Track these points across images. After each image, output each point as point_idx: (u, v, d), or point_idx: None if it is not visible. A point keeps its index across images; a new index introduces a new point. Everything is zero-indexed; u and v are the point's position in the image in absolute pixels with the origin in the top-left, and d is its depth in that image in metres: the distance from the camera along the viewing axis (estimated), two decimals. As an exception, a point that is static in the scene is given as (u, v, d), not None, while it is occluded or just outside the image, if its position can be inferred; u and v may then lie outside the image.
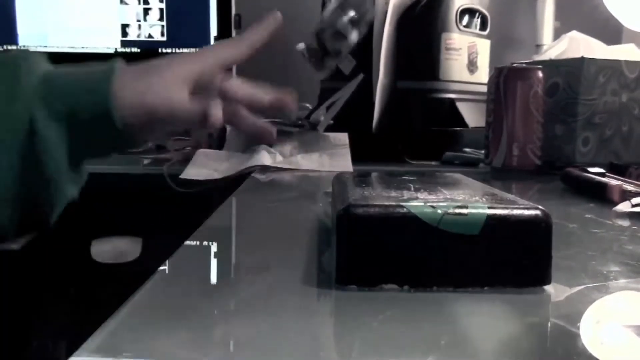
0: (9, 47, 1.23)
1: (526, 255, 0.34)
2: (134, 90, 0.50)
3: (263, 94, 0.54)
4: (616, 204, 0.62)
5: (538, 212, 0.35)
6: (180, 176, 0.93)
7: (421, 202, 0.35)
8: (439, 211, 0.34)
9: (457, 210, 0.34)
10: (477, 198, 0.38)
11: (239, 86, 0.54)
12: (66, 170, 0.50)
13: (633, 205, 0.60)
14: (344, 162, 0.96)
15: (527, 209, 0.35)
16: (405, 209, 0.34)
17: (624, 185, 0.66)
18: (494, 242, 0.34)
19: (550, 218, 0.35)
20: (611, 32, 1.30)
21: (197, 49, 0.55)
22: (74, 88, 0.50)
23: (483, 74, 1.17)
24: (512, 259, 0.34)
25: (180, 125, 0.56)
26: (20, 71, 0.49)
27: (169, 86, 0.51)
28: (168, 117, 0.51)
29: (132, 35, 1.22)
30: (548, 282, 0.35)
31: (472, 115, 1.12)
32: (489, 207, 0.35)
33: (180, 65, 0.52)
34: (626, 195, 0.63)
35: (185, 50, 1.21)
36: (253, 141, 1.03)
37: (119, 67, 0.50)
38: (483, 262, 0.34)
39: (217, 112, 0.51)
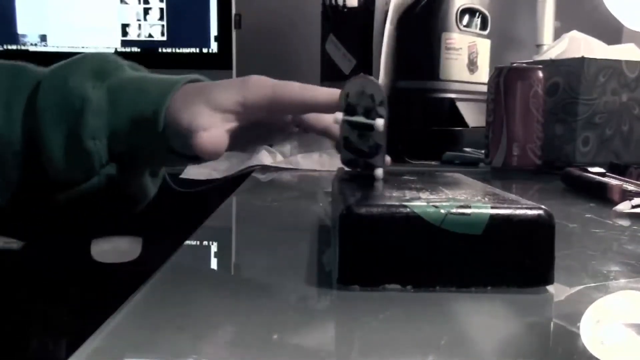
0: (9, 47, 1.23)
1: (529, 255, 0.34)
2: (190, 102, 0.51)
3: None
4: (616, 204, 0.62)
5: (541, 212, 0.35)
6: (180, 176, 0.93)
7: (424, 202, 0.35)
8: (442, 211, 0.34)
9: (460, 210, 0.34)
10: (479, 198, 0.38)
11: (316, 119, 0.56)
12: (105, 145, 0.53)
13: (633, 206, 0.60)
14: (344, 162, 0.96)
15: (530, 208, 0.35)
16: (408, 209, 0.34)
17: (624, 185, 0.66)
18: (497, 242, 0.34)
19: (553, 218, 0.35)
20: (611, 32, 1.30)
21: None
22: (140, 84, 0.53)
23: (483, 74, 1.17)
24: (515, 259, 0.34)
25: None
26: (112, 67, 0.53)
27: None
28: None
29: (132, 35, 1.22)
30: (551, 281, 0.35)
31: (472, 115, 1.12)
32: (491, 207, 0.34)
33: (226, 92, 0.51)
34: (626, 195, 0.63)
35: (184, 50, 1.21)
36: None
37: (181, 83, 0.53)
38: (486, 262, 0.34)
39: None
